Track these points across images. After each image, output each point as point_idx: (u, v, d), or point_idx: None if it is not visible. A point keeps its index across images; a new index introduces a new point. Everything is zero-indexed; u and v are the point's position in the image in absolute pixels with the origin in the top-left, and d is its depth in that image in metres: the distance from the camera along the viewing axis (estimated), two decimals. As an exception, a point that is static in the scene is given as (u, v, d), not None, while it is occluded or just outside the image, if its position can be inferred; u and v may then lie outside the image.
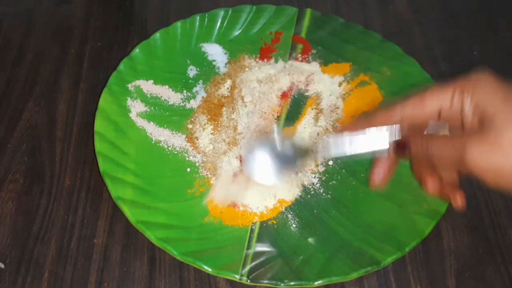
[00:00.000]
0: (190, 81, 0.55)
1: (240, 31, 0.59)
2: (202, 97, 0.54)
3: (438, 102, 0.32)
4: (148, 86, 0.54)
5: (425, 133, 0.35)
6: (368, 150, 0.35)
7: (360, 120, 0.36)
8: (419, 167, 0.36)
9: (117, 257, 0.44)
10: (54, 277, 0.43)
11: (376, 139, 0.35)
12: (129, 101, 0.52)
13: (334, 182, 0.48)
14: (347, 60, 0.57)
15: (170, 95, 0.54)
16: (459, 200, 0.35)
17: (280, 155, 0.41)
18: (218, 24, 0.59)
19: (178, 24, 0.58)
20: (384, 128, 0.35)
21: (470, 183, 0.49)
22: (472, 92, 0.31)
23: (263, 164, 0.41)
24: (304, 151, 0.42)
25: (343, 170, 0.49)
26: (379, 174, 0.37)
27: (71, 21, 0.62)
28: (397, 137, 0.34)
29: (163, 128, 0.51)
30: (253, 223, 0.45)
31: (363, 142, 0.35)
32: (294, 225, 0.45)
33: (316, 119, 0.52)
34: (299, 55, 0.58)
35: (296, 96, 0.54)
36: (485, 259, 0.45)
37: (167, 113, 0.53)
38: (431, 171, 0.35)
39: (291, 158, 0.41)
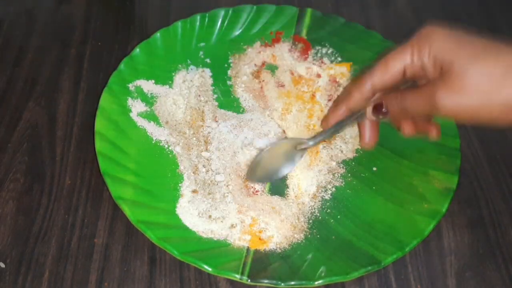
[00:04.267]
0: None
1: (240, 30, 0.59)
2: (203, 97, 0.54)
3: (400, 63, 0.35)
4: (148, 86, 0.54)
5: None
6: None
7: (337, 107, 0.41)
8: (397, 120, 0.39)
9: (118, 256, 0.44)
10: (54, 276, 0.43)
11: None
12: (130, 101, 0.52)
13: (335, 182, 0.48)
14: (347, 60, 0.57)
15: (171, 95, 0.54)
16: (435, 132, 0.39)
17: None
18: (219, 24, 0.59)
19: (179, 23, 0.57)
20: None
21: (470, 182, 0.49)
22: (427, 46, 0.33)
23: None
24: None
25: (344, 170, 0.49)
26: (367, 137, 0.42)
27: (71, 21, 0.62)
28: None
29: (164, 128, 0.51)
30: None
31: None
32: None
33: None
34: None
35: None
36: (485, 259, 0.45)
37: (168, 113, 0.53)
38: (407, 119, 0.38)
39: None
